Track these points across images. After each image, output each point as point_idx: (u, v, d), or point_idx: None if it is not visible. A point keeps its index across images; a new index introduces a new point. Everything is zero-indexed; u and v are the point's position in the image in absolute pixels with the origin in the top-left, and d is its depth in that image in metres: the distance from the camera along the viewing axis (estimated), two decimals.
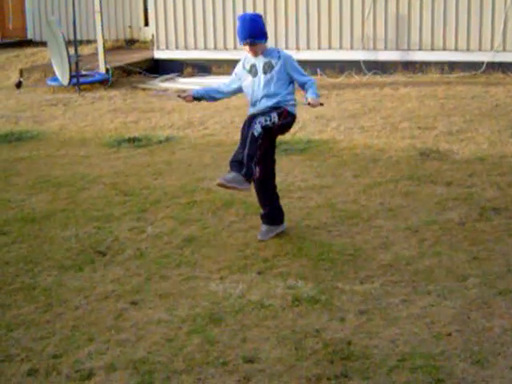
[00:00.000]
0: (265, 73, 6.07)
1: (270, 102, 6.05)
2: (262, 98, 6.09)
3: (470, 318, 4.79)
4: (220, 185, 5.92)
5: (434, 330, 4.67)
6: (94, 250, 6.19)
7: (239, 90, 6.34)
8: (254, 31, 6.03)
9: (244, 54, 6.26)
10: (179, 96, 6.47)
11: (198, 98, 6.40)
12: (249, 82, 6.17)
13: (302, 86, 6.12)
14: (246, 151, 5.92)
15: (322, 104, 6.13)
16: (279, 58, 6.07)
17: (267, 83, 6.06)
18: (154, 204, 7.29)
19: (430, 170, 8.01)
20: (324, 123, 10.48)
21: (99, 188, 7.88)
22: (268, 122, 5.94)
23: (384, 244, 6.08)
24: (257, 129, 5.89)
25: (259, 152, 5.95)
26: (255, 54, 6.10)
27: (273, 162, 6.38)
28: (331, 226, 6.51)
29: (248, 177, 5.91)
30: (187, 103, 6.72)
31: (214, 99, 6.48)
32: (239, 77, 6.26)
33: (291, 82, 6.12)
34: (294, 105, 6.15)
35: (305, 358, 4.40)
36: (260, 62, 6.10)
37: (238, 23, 6.12)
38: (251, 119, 5.97)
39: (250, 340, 4.64)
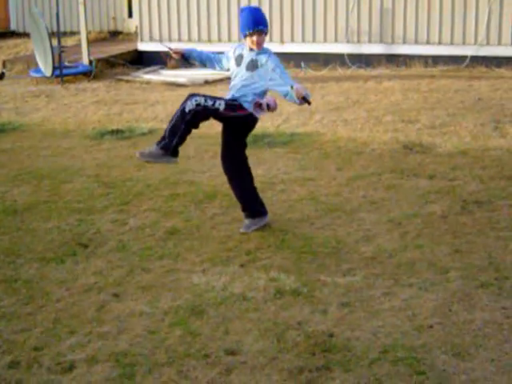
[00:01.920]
0: (247, 69, 6.01)
1: (236, 93, 6.04)
2: (238, 87, 6.05)
3: (451, 311, 4.81)
4: (137, 158, 6.00)
5: (416, 322, 4.68)
6: (76, 242, 6.17)
7: (226, 70, 6.33)
8: (261, 19, 5.98)
9: (234, 46, 6.24)
10: (170, 48, 6.39)
11: (187, 57, 6.37)
12: (233, 68, 6.15)
13: (284, 96, 5.90)
14: (171, 124, 5.89)
15: (306, 101, 5.80)
16: (267, 61, 5.95)
17: (246, 80, 6.00)
18: (136, 196, 7.27)
19: (412, 163, 8.03)
20: (307, 116, 10.48)
21: (82, 180, 7.86)
22: (207, 104, 5.84)
23: (366, 237, 6.09)
24: (189, 105, 5.81)
25: (184, 128, 5.86)
26: (260, 46, 5.98)
27: (240, 159, 6.28)
28: (314, 219, 6.51)
29: (166, 150, 5.88)
30: (172, 57, 6.62)
31: (204, 65, 6.46)
32: (228, 58, 6.26)
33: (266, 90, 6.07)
34: (252, 102, 6.05)
35: (287, 351, 4.41)
36: (248, 56, 6.04)
37: (242, 14, 6.01)
38: (191, 95, 5.91)
39: (232, 332, 4.64)
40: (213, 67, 6.42)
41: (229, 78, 6.27)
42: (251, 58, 6.02)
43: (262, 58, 5.97)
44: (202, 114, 5.86)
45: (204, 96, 5.90)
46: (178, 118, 5.85)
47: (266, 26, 6.01)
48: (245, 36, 6.00)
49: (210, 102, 5.85)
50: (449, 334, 4.53)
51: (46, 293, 5.26)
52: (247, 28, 5.95)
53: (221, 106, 5.89)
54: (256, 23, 5.94)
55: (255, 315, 4.83)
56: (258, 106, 6.05)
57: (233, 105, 5.98)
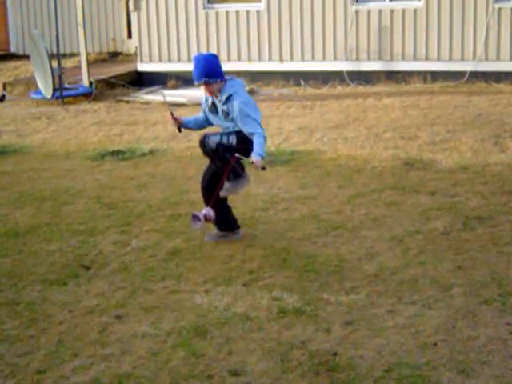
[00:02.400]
0: (225, 118, 6.17)
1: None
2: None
3: (455, 328, 4.80)
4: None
5: (420, 339, 4.67)
6: (78, 264, 6.16)
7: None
8: (208, 71, 6.07)
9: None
10: (172, 114, 6.47)
11: (185, 127, 6.52)
12: (212, 118, 6.31)
13: (250, 135, 6.10)
14: (231, 171, 6.13)
15: (263, 168, 6.08)
16: (232, 105, 6.06)
17: (228, 127, 6.18)
18: (138, 217, 7.27)
19: (413, 179, 8.03)
20: (308, 134, 10.49)
21: (83, 201, 7.86)
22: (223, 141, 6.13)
23: (369, 254, 6.08)
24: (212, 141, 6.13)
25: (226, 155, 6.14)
26: (211, 93, 6.17)
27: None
28: (316, 237, 6.51)
29: (239, 175, 6.18)
30: (172, 124, 6.69)
31: (190, 129, 6.60)
32: (203, 108, 6.38)
33: None
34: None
35: (291, 370, 4.39)
36: (219, 104, 6.16)
37: (193, 63, 6.17)
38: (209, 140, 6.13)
39: (235, 353, 4.62)
40: (204, 126, 6.55)
41: None
42: (221, 108, 6.16)
43: (229, 101, 6.09)
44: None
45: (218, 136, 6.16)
46: (222, 160, 6.14)
47: (210, 77, 6.07)
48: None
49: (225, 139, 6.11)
50: (453, 351, 4.52)
51: (48, 315, 5.25)
52: (194, 79, 6.17)
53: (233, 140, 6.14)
54: (198, 76, 6.10)
55: (258, 335, 4.82)
56: (196, 217, 6.13)
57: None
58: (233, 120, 6.11)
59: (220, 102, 6.14)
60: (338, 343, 4.67)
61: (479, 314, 4.96)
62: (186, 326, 4.97)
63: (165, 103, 6.57)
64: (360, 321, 4.94)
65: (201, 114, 6.48)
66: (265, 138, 6.13)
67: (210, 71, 6.09)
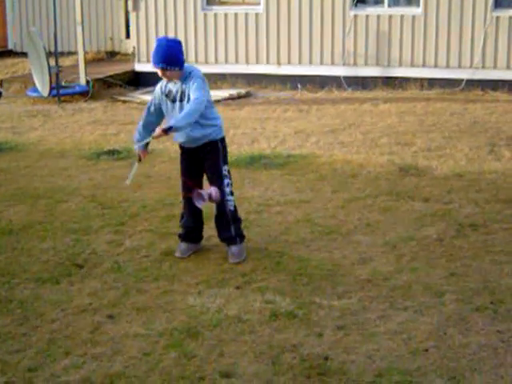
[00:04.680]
0: (181, 100, 6.00)
1: (197, 134, 6.02)
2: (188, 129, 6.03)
3: (446, 334, 4.81)
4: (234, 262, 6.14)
5: (411, 345, 4.68)
6: (71, 263, 6.16)
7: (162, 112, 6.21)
8: (167, 57, 5.90)
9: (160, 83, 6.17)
10: (140, 160, 6.25)
11: (145, 142, 6.16)
12: (168, 107, 6.10)
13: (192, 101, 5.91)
14: (234, 232, 6.17)
15: (165, 131, 5.78)
16: (189, 81, 5.94)
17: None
18: (132, 217, 7.27)
19: (408, 185, 8.05)
20: (304, 138, 10.50)
21: (78, 200, 7.85)
22: (228, 180, 6.15)
23: (362, 259, 6.09)
24: (230, 204, 6.16)
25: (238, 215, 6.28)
26: (168, 79, 6.01)
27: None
28: (310, 241, 6.52)
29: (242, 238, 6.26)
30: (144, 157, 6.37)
31: (154, 124, 6.23)
32: (158, 99, 6.17)
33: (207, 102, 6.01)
34: (220, 127, 6.15)
35: (282, 374, 4.40)
36: (177, 88, 6.02)
37: (154, 45, 6.03)
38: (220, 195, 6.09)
39: (227, 355, 4.63)
40: (154, 124, 6.18)
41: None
42: (180, 88, 5.99)
43: (187, 80, 5.95)
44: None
45: (215, 178, 6.14)
46: (235, 223, 6.21)
47: (168, 64, 5.90)
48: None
49: (225, 179, 6.14)
50: (444, 357, 4.53)
51: (40, 313, 5.24)
52: (152, 62, 6.01)
53: (225, 165, 6.18)
54: (156, 61, 5.95)
55: (250, 338, 4.82)
56: (199, 195, 6.08)
57: (218, 149, 6.15)
58: (187, 101, 5.92)
59: (178, 85, 5.97)
60: (329, 347, 4.68)
61: (471, 321, 4.97)
62: (178, 327, 4.97)
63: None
64: (352, 325, 4.95)
65: (145, 114, 6.22)
66: (197, 106, 5.82)
67: (169, 58, 5.90)
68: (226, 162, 6.18)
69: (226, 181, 6.14)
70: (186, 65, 6.03)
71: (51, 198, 7.93)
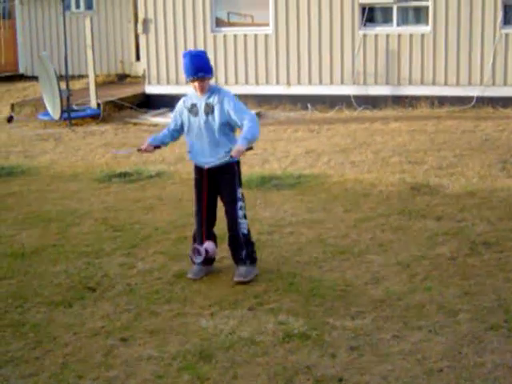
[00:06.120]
0: (206, 114, 6.04)
1: (218, 156, 6.04)
2: (207, 144, 6.08)
3: (461, 354, 4.77)
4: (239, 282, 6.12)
5: (426, 365, 4.64)
6: (83, 286, 6.16)
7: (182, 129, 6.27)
8: (202, 66, 5.97)
9: (190, 92, 6.18)
10: (139, 150, 6.36)
11: (156, 144, 6.33)
12: (191, 121, 6.14)
13: (242, 126, 5.98)
14: (245, 254, 6.16)
15: (250, 148, 5.94)
16: (219, 97, 6.00)
17: (209, 127, 6.03)
18: (144, 239, 7.27)
19: (420, 204, 8.03)
20: (315, 158, 10.50)
21: (89, 223, 7.86)
22: (241, 203, 6.17)
23: (375, 279, 6.07)
24: (243, 227, 6.17)
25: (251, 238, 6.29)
26: (203, 91, 6.03)
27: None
28: (322, 261, 6.50)
29: (253, 260, 6.25)
30: (149, 153, 6.71)
31: (167, 144, 6.42)
32: (180, 114, 6.22)
33: (232, 125, 6.06)
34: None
35: None
36: (202, 101, 6.06)
37: (184, 60, 6.04)
38: (230, 216, 6.17)
39: (240, 377, 4.60)
40: (170, 138, 6.37)
41: None
42: (205, 101, 6.04)
43: (214, 95, 6.01)
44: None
45: (229, 203, 6.19)
46: (248, 245, 6.21)
47: (205, 72, 5.97)
48: (187, 82, 6.07)
49: (239, 202, 6.17)
50: (459, 377, 4.49)
51: (53, 337, 5.24)
52: (187, 75, 6.01)
53: (238, 188, 6.18)
54: (193, 72, 5.96)
55: (264, 359, 4.80)
56: (197, 251, 6.16)
57: (234, 173, 6.18)
58: (212, 117, 5.97)
59: (206, 95, 6.01)
60: (343, 368, 4.65)
61: (485, 340, 4.94)
62: (191, 350, 4.95)
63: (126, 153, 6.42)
64: (366, 346, 4.92)
65: (166, 128, 6.33)
66: (257, 122, 5.95)
67: (204, 66, 5.97)
68: (240, 185, 6.19)
69: (240, 203, 6.15)
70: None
71: (63, 221, 7.95)
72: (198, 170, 6.26)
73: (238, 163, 6.19)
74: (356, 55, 14.57)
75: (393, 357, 4.76)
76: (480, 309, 5.42)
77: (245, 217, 6.18)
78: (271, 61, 15.04)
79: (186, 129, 6.20)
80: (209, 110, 6.03)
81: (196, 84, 6.01)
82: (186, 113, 6.16)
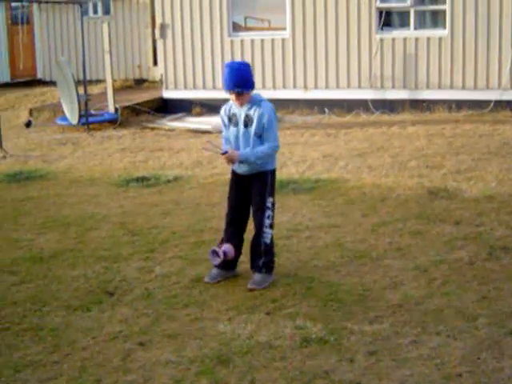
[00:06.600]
0: (245, 126, 6.04)
1: (252, 165, 6.06)
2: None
3: (480, 359, 4.75)
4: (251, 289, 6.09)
5: (444, 370, 4.62)
6: (102, 290, 6.18)
7: None
8: (241, 80, 5.93)
9: (231, 100, 6.15)
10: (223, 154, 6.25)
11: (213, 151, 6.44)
12: (230, 130, 6.16)
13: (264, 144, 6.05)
14: (263, 263, 6.14)
15: (228, 158, 6.01)
16: (259, 110, 6.00)
17: (247, 138, 6.04)
18: (162, 244, 7.29)
19: (438, 208, 8.00)
20: (332, 162, 10.49)
21: (108, 227, 7.89)
22: (270, 212, 6.12)
23: (393, 284, 6.05)
24: (266, 236, 6.14)
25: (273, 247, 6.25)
26: (241, 104, 6.03)
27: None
28: (340, 266, 6.49)
29: (271, 269, 6.21)
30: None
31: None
32: (223, 122, 6.26)
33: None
34: (274, 158, 6.20)
35: None
36: (242, 112, 6.05)
37: (224, 70, 6.02)
38: (256, 223, 6.15)
39: (258, 381, 4.60)
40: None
41: None
42: (245, 112, 6.04)
43: (255, 107, 6.02)
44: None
45: (257, 211, 6.15)
46: (266, 255, 6.18)
47: (243, 87, 5.94)
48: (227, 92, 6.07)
49: (268, 211, 6.12)
50: (478, 382, 4.47)
51: (71, 341, 5.25)
52: (225, 87, 6.00)
53: (270, 197, 6.14)
54: (231, 86, 5.94)
55: (281, 364, 4.79)
56: (215, 253, 6.17)
57: (266, 181, 6.15)
58: (250, 129, 5.99)
59: (247, 106, 6.01)
60: (361, 373, 4.63)
61: (504, 345, 4.91)
62: (208, 354, 4.96)
63: (213, 151, 6.43)
64: (384, 351, 4.91)
65: (225, 135, 6.35)
66: (272, 152, 6.06)
67: (243, 80, 5.93)
68: (271, 195, 6.16)
69: (268, 213, 6.12)
70: (254, 96, 6.10)
71: (81, 226, 7.98)
72: (234, 172, 6.28)
73: (272, 172, 6.19)
74: (373, 59, 14.55)
75: (411, 362, 4.75)
76: (499, 314, 5.39)
77: (271, 226, 6.16)
78: (288, 65, 15.04)
79: (225, 135, 6.25)
80: (248, 121, 6.03)
81: (233, 97, 6.01)
82: (226, 121, 6.19)
